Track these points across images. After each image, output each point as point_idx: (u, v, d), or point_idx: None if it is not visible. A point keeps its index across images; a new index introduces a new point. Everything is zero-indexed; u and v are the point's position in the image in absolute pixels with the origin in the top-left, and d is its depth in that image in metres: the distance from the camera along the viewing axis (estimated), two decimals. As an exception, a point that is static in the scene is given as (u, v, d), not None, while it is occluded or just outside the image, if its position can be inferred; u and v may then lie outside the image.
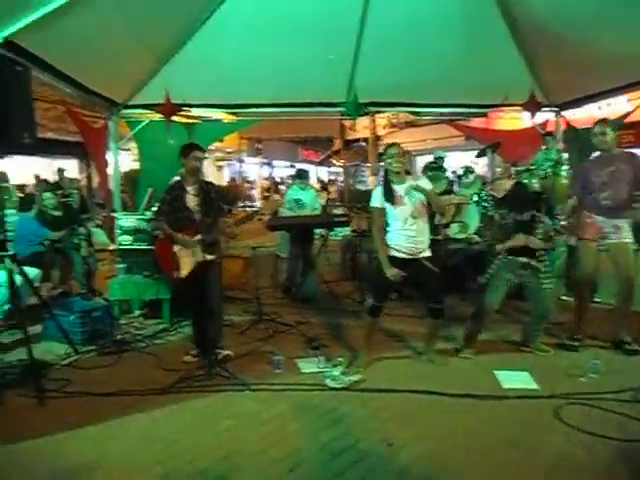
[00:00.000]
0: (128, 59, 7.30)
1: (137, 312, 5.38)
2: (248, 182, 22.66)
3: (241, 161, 21.41)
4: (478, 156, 6.89)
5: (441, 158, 6.81)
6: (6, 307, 4.51)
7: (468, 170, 7.26)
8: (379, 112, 9.86)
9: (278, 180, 21.53)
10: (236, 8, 5.93)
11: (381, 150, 7.42)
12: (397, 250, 3.82)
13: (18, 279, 4.50)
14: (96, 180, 12.77)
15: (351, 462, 2.72)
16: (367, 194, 4.94)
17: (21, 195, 8.16)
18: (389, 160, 3.78)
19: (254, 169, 23.11)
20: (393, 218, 3.83)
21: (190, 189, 4.01)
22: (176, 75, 7.34)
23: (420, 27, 5.26)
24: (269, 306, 5.64)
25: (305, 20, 5.42)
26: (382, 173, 3.99)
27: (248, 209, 11.33)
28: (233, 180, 20.72)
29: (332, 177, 24.94)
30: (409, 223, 3.78)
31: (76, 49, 5.89)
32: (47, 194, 5.96)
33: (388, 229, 3.89)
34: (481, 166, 10.43)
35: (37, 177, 9.99)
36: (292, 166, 25.08)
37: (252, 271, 6.86)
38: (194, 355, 4.16)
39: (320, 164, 23.66)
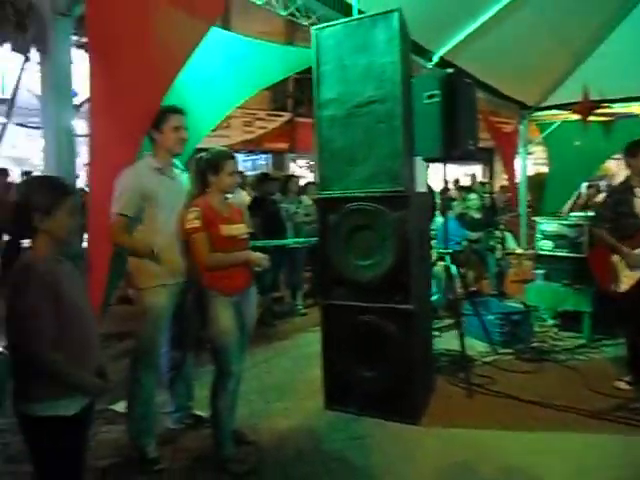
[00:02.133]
0: (543, 61, 7.18)
1: (550, 321, 5.14)
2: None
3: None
4: None
5: None
6: (435, 298, 4.99)
7: None
8: None
9: None
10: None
11: None
12: None
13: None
14: (498, 184, 13.13)
15: None
16: None
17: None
18: None
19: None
20: None
21: (639, 191, 3.51)
22: (593, 70, 6.82)
23: None
24: None
25: None
26: None
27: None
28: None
29: None
30: None
31: (492, 59, 6.28)
32: (472, 195, 6.34)
33: None
34: None
35: (456, 181, 11.01)
36: None
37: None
38: (628, 382, 3.65)
39: None
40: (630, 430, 3.09)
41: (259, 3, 4.40)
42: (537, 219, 5.34)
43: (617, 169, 19.42)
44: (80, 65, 3.31)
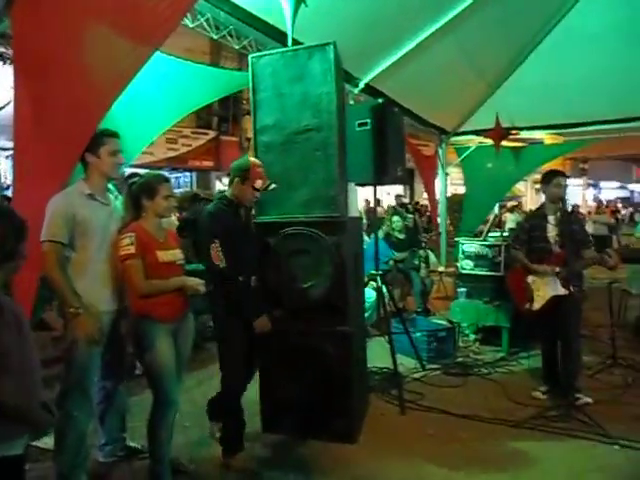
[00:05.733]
0: (461, 90, 7.69)
1: (472, 337, 5.43)
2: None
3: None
4: None
5: None
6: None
7: None
8: None
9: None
10: (576, 24, 5.85)
11: None
12: None
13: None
14: (420, 204, 13.76)
15: None
16: None
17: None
18: None
19: (577, 191, 21.10)
20: None
21: (551, 218, 3.84)
22: (505, 99, 7.45)
23: None
24: (619, 349, 4.95)
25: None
26: None
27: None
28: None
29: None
30: None
31: (414, 86, 6.68)
32: (396, 217, 6.59)
33: None
34: None
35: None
36: (623, 187, 22.09)
37: (589, 305, 6.23)
38: (543, 392, 3.95)
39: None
40: (546, 436, 3.35)
41: (191, 25, 4.39)
42: (459, 239, 5.66)
43: (525, 191, 20.93)
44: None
